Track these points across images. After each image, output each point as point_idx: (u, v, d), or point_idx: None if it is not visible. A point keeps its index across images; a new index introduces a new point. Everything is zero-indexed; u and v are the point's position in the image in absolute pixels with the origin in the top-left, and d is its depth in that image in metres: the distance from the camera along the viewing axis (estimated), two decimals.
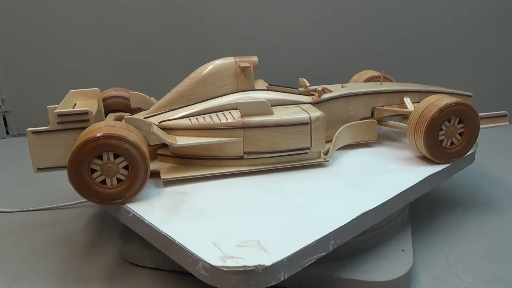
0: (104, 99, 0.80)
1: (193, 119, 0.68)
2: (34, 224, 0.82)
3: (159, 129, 0.65)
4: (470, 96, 0.85)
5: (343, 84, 0.82)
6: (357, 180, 0.66)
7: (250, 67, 0.72)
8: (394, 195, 0.61)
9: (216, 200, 0.61)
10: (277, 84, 0.80)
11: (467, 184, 0.95)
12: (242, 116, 0.67)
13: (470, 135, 0.71)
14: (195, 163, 0.69)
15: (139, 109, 0.79)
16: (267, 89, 0.74)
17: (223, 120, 0.67)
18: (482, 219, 0.81)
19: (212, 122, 0.67)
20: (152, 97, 0.82)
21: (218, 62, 0.72)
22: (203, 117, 0.69)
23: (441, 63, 1.40)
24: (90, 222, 0.82)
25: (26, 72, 1.37)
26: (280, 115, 0.68)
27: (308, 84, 0.82)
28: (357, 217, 0.56)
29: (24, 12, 1.32)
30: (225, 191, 0.64)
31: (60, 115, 0.62)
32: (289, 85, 0.83)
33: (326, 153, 0.72)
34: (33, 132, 0.62)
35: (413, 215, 0.81)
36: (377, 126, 0.79)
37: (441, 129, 0.70)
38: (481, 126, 0.76)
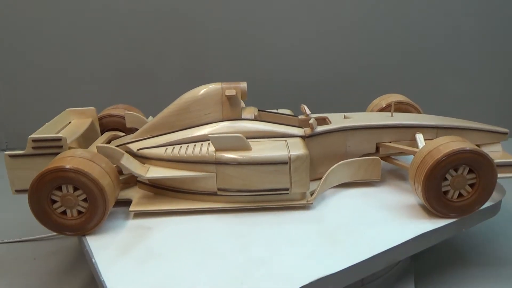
0: (100, 118, 0.80)
1: (169, 149, 0.65)
2: (13, 258, 0.77)
3: (130, 158, 0.63)
4: (505, 133, 0.72)
5: (346, 114, 0.73)
6: (336, 230, 0.59)
7: (235, 95, 0.67)
8: (366, 258, 0.53)
9: (175, 240, 0.58)
10: (271, 111, 0.75)
11: (490, 233, 0.81)
12: (216, 150, 0.63)
13: (484, 188, 0.60)
14: (170, 194, 0.66)
15: (135, 129, 0.78)
16: (255, 119, 0.69)
17: (197, 153, 0.63)
18: (496, 273, 0.70)
19: (185, 155, 0.63)
20: (150, 117, 0.81)
21: (203, 88, 0.69)
22: (180, 147, 0.65)
23: (480, 89, 1.23)
24: (72, 256, 0.78)
25: (15, 86, 1.26)
26: (258, 151, 0.62)
27: (308, 112, 0.75)
28: (310, 283, 0.49)
29: (10, 25, 1.21)
30: (189, 230, 0.60)
31: (34, 140, 0.63)
32: (295, 108, 0.77)
33: (313, 193, 0.65)
34: (10, 156, 0.64)
35: (417, 260, 0.72)
36: (384, 163, 0.71)
37: (446, 179, 0.60)
38: (504, 176, 0.64)
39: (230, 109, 0.68)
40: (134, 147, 0.68)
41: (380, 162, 0.69)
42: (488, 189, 0.60)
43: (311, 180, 0.69)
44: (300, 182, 0.63)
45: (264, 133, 0.67)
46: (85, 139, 0.76)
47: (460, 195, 0.61)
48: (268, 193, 0.63)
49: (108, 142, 0.77)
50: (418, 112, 0.83)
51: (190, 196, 0.65)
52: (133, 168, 0.62)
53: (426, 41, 1.21)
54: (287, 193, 0.63)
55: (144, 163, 0.66)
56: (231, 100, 0.68)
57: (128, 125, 0.78)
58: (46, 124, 0.72)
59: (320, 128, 0.68)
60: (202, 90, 0.68)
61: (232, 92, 0.67)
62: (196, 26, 1.21)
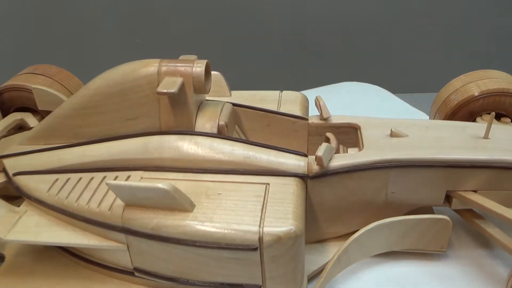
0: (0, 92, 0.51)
1: (56, 186, 0.36)
2: None
3: None
4: None
5: (393, 125, 0.39)
6: None
7: (175, 93, 0.34)
8: None
9: None
10: (258, 107, 0.42)
11: None
12: (125, 206, 0.33)
13: None
14: (68, 257, 0.39)
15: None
16: (217, 135, 0.37)
17: (93, 206, 0.34)
18: None
19: (75, 205, 0.34)
20: None
21: (127, 70, 0.37)
22: (77, 182, 0.36)
23: None
24: None
25: None
26: (201, 214, 0.32)
27: (327, 113, 0.41)
28: None
29: None
30: None
31: None
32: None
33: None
34: None
35: None
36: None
37: None
38: None
39: (173, 112, 0.36)
40: (11, 166, 0.39)
41: (450, 226, 0.37)
42: None
43: (314, 242, 0.39)
44: (283, 278, 0.32)
45: (230, 165, 0.35)
46: None
47: None
48: None
49: (11, 133, 0.49)
50: None
51: (96, 269, 0.37)
52: None
53: None
54: None
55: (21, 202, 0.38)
56: (172, 99, 0.36)
57: (40, 107, 0.49)
58: None
59: (336, 163, 0.35)
60: (125, 73, 0.37)
61: (172, 88, 0.34)
62: None
